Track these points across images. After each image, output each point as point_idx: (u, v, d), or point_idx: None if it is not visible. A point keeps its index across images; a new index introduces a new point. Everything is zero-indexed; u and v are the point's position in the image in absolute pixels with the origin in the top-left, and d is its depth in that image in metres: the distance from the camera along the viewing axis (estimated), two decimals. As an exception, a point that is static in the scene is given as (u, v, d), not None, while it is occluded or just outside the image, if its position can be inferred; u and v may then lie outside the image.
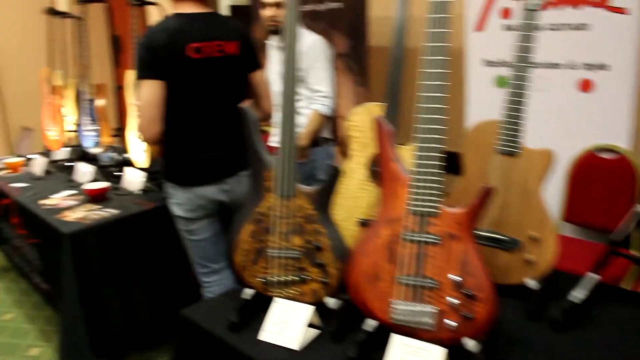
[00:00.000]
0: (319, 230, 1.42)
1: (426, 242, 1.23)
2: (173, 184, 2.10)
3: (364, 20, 2.97)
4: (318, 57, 2.59)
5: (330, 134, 2.81)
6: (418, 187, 1.23)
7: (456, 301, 1.20)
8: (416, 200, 1.24)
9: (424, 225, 1.24)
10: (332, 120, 2.82)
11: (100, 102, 2.88)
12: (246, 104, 2.21)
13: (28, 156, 3.27)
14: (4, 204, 2.96)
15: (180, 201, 2.10)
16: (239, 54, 2.05)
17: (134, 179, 2.75)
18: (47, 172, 3.20)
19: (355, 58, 3.09)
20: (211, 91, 2.01)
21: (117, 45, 5.80)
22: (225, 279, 2.26)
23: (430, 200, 1.23)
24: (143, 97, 1.91)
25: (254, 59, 2.13)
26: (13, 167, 3.29)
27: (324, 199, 1.43)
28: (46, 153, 3.64)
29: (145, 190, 2.71)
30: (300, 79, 2.55)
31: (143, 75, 1.91)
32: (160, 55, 1.88)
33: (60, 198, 2.70)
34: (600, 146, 2.39)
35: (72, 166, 3.12)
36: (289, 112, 1.46)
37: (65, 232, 2.26)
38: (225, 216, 2.22)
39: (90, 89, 2.97)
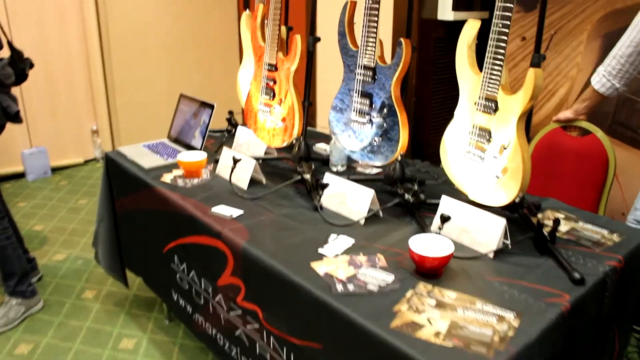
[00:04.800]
0: None
1: None
2: None
3: None
4: None
5: None
6: None
7: None
8: None
9: None
10: None
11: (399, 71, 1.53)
12: None
13: (230, 153, 1.93)
14: (223, 249, 1.67)
15: None
16: None
17: (489, 233, 1.42)
18: (252, 182, 1.88)
19: None
20: None
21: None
22: None
23: None
24: None
25: None
26: (191, 171, 1.98)
27: None
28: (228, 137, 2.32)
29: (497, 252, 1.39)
30: None
31: None
32: None
33: (344, 261, 1.39)
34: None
35: (310, 178, 1.79)
36: None
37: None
38: None
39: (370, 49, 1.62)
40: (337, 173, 2.01)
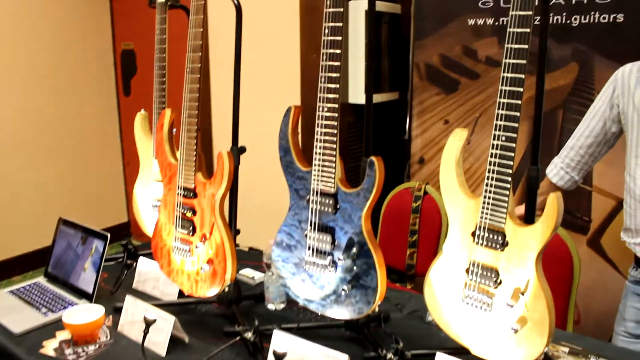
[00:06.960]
0: None
1: None
2: None
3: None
4: None
5: None
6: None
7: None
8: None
9: None
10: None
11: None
12: None
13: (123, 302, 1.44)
14: None
15: None
16: None
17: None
18: (171, 340, 1.40)
19: None
20: None
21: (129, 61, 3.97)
22: None
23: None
24: None
25: None
26: (84, 335, 1.46)
27: None
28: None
29: None
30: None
31: None
32: None
33: None
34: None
35: (252, 337, 1.34)
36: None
37: None
38: None
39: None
40: (276, 312, 1.60)
